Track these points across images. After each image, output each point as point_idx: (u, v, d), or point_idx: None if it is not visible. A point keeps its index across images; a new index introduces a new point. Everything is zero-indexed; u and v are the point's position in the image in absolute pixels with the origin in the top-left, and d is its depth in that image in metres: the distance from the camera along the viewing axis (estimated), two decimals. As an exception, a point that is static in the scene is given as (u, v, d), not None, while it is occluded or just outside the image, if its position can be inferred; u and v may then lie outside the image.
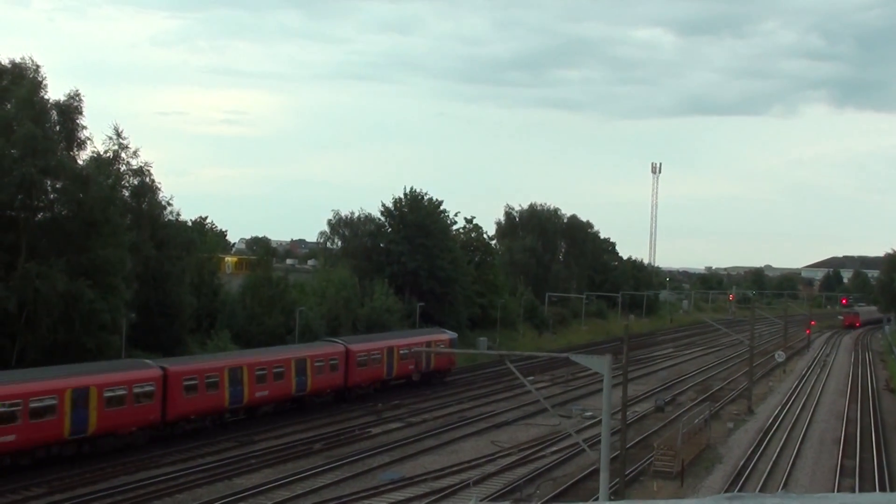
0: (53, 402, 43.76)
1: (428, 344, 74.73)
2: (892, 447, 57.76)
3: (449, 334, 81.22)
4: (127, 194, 67.15)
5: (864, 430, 61.91)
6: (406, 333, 78.42)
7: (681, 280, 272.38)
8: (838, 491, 46.02)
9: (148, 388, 49.06)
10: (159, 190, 69.37)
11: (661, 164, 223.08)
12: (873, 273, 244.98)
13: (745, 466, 49.48)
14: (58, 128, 58.34)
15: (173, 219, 71.92)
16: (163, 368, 50.76)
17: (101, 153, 64.82)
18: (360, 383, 67.14)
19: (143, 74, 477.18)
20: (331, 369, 63.60)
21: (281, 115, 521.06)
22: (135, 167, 67.15)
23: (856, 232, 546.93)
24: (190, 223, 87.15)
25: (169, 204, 70.63)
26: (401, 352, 71.08)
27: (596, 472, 36.00)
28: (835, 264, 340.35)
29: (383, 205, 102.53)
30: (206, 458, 47.47)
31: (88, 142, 61.43)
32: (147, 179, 67.96)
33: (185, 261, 70.36)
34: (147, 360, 52.81)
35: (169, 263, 67.26)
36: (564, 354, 39.16)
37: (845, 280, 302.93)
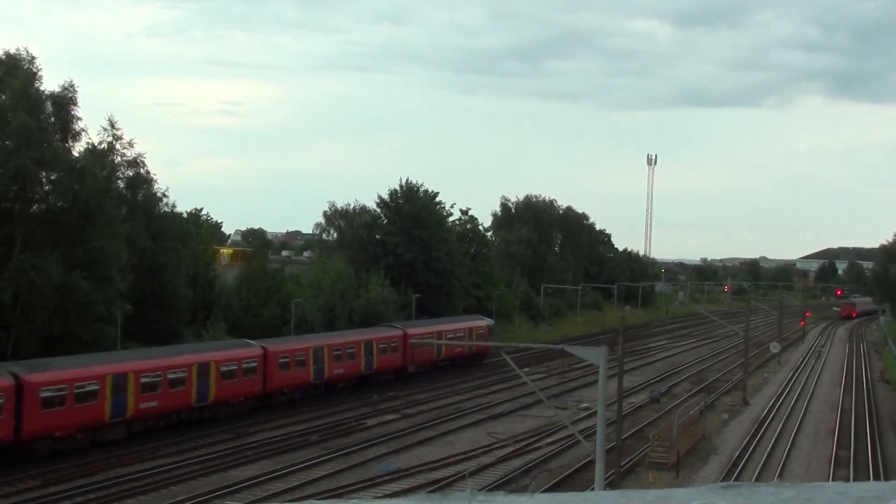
0: (184, 374, 51.63)
1: (471, 329, 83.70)
2: (887, 437, 57.90)
3: (487, 321, 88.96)
4: (122, 186, 67.08)
5: (858, 421, 62.02)
6: (451, 320, 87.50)
7: (676, 271, 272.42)
8: (833, 481, 46.06)
9: (252, 364, 56.54)
10: (154, 181, 69.42)
11: (656, 155, 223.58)
12: (868, 264, 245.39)
13: (740, 457, 49.55)
14: (53, 119, 58.25)
15: (169, 210, 71.88)
16: (263, 348, 58.03)
17: (96, 144, 64.75)
18: (416, 363, 73.77)
19: (138, 65, 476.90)
20: (392, 350, 71.08)
21: (277, 106, 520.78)
22: (130, 158, 67.10)
23: (851, 223, 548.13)
24: (185, 215, 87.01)
25: (164, 195, 70.68)
26: (448, 337, 77.94)
27: (591, 463, 36.02)
28: (830, 255, 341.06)
29: (379, 196, 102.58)
30: (201, 450, 47.47)
31: (83, 133, 61.39)
32: (142, 171, 67.90)
33: (181, 252, 70.32)
34: (250, 341, 60.08)
35: (164, 255, 67.22)
36: (560, 346, 39.20)
37: (840, 271, 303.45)
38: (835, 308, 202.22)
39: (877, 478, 46.44)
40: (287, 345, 60.93)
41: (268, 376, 57.45)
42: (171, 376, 50.65)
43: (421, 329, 74.96)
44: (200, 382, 52.48)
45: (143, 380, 48.86)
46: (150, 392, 49.27)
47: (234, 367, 55.08)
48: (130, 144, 66.92)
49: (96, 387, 46.24)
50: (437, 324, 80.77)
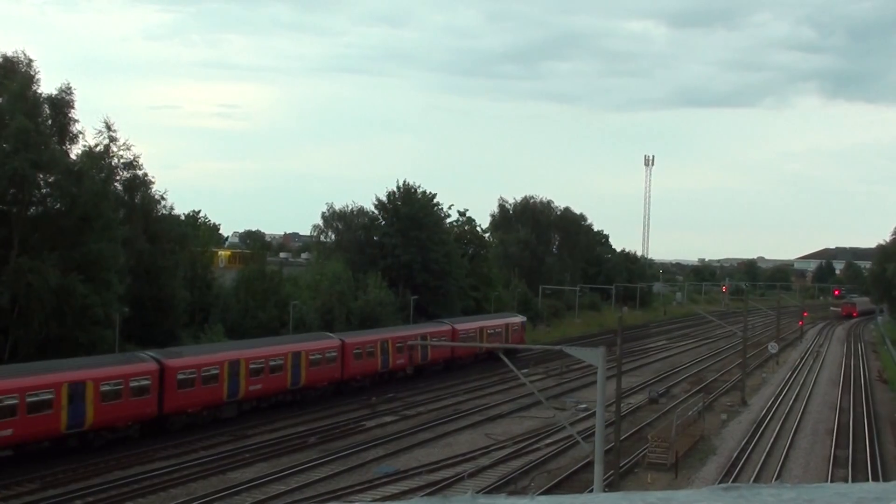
0: (281, 362, 59.25)
1: (507, 326, 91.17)
2: (885, 437, 57.95)
3: (521, 318, 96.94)
4: (119, 188, 67.10)
5: (856, 421, 62.08)
6: (490, 317, 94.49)
7: (674, 272, 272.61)
8: (831, 481, 46.17)
9: (333, 354, 64.38)
10: (152, 184, 69.46)
11: (653, 156, 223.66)
12: (865, 264, 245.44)
13: (738, 458, 49.58)
14: (50, 122, 58.27)
15: (166, 213, 71.89)
16: (342, 340, 65.79)
17: (93, 147, 64.74)
18: (462, 357, 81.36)
19: (135, 68, 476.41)
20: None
21: (274, 109, 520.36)
22: (127, 161, 67.11)
23: (848, 223, 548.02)
24: (183, 217, 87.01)
25: (162, 198, 70.70)
26: (488, 332, 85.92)
27: (590, 464, 36.05)
28: (827, 256, 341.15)
29: (377, 198, 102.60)
30: (199, 452, 47.45)
31: (80, 136, 61.41)
32: (139, 173, 67.94)
33: (179, 255, 70.35)
34: (330, 334, 67.57)
35: (162, 257, 67.23)
36: (558, 347, 39.23)
37: (838, 271, 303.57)
38: (832, 308, 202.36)
39: (875, 477, 46.50)
40: (361, 338, 68.85)
41: (345, 365, 65.20)
42: (272, 363, 58.42)
43: (466, 325, 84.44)
44: (294, 369, 60.16)
45: (252, 366, 56.74)
46: (256, 377, 57.09)
47: (320, 357, 62.78)
48: (128, 147, 67.02)
49: (217, 371, 54.23)
50: (478, 321, 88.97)
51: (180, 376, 51.75)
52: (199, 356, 54.87)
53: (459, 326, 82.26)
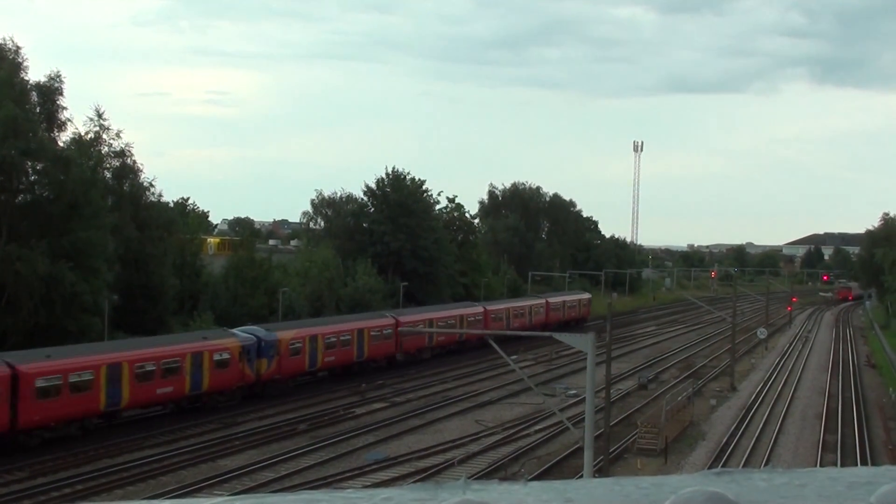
0: (349, 337, 65.72)
1: (576, 301, 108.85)
2: (874, 422, 58.23)
3: (587, 294, 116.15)
4: (108, 176, 66.90)
5: (845, 406, 62.36)
6: (556, 294, 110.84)
7: (663, 258, 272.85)
8: (821, 466, 46.44)
9: (389, 332, 70.35)
10: (141, 171, 69.26)
11: (642, 142, 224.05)
12: (854, 249, 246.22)
13: (728, 443, 49.79)
14: (38, 109, 58.05)
15: (155, 200, 71.75)
16: (395, 318, 71.05)
17: (82, 134, 64.52)
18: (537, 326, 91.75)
19: (123, 55, 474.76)
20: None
21: (263, 95, 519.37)
22: (116, 149, 66.90)
23: (836, 209, 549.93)
24: (172, 204, 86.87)
25: (151, 185, 70.55)
26: (568, 305, 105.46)
27: (580, 450, 36.13)
28: (816, 241, 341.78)
29: (366, 185, 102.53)
30: (189, 439, 47.41)
31: (69, 123, 61.19)
32: (129, 161, 67.74)
33: (168, 242, 70.23)
34: (385, 312, 74.13)
35: (151, 245, 67.10)
36: (548, 333, 39.25)
37: (826, 257, 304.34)
38: (821, 293, 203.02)
39: (864, 462, 46.72)
40: (412, 317, 73.78)
41: (396, 342, 71.53)
42: (342, 338, 65.22)
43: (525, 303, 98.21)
44: (359, 343, 66.75)
45: (327, 340, 63.19)
46: (331, 349, 63.56)
47: (379, 333, 69.21)
48: (117, 135, 66.81)
49: (300, 344, 60.09)
50: (545, 297, 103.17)
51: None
52: (284, 331, 59.39)
53: (492, 307, 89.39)
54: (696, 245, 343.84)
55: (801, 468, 2.09)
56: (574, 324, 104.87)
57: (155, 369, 49.06)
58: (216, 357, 53.01)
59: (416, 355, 74.93)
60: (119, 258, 62.93)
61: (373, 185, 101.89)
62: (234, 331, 57.07)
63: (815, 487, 1.94)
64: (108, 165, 66.83)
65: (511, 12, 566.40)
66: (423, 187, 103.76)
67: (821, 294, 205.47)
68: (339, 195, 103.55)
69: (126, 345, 51.29)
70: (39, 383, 43.03)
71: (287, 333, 59.84)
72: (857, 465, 45.75)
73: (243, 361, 54.86)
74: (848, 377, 76.96)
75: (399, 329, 68.60)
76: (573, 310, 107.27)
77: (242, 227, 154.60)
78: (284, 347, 58.78)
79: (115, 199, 65.68)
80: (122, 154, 67.10)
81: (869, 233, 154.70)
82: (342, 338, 65.11)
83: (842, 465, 46.66)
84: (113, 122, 67.83)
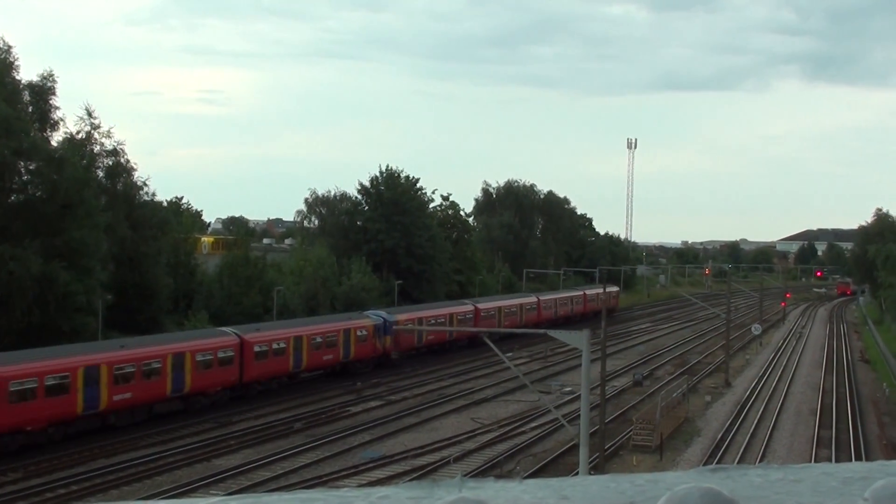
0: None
1: (609, 294, 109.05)
2: (868, 417, 58.35)
3: (615, 288, 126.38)
4: (101, 175, 66.81)
5: (839, 401, 62.49)
6: (585, 287, 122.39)
7: (657, 255, 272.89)
8: (815, 461, 46.52)
9: (469, 317, 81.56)
10: (134, 170, 69.22)
11: (636, 139, 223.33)
12: (847, 245, 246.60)
13: (723, 439, 49.88)
14: (30, 108, 57.94)
15: (149, 199, 71.73)
16: (475, 306, 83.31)
17: (75, 134, 64.43)
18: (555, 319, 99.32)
19: (115, 54, 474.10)
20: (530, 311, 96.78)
21: (256, 94, 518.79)
22: (109, 148, 66.83)
23: (829, 205, 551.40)
24: (165, 203, 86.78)
25: (144, 184, 70.54)
26: (589, 297, 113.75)
27: (575, 447, 36.17)
28: (809, 237, 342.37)
29: (360, 183, 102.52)
30: (184, 439, 47.36)
31: (61, 122, 61.10)
32: (121, 160, 67.67)
33: (161, 241, 70.18)
34: (466, 300, 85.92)
35: (145, 244, 67.04)
36: (543, 330, 39.30)
37: (820, 253, 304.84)
38: (815, 289, 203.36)
39: (858, 457, 46.82)
40: (491, 304, 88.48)
41: (476, 324, 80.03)
42: (439, 321, 75.66)
43: (561, 294, 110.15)
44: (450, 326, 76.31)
45: (430, 323, 72.77)
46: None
47: (444, 320, 76.65)
48: (109, 134, 66.72)
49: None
50: (576, 290, 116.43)
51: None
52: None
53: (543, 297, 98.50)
54: (689, 242, 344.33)
55: (796, 464, 2.09)
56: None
57: (322, 341, 62.63)
58: (359, 333, 66.76)
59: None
60: (113, 258, 62.86)
61: (367, 184, 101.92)
62: (367, 313, 71.27)
63: (810, 483, 1.95)
64: (100, 164, 66.76)
65: (504, 10, 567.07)
66: (418, 185, 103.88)
67: (814, 290, 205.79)
68: (333, 193, 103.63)
69: (302, 322, 65.80)
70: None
71: (402, 316, 72.41)
72: (851, 460, 45.87)
73: (376, 337, 68.41)
74: (842, 373, 77.12)
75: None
76: (599, 302, 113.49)
77: (236, 226, 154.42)
78: (402, 325, 69.30)
79: (109, 199, 65.59)
80: (114, 153, 67.06)
81: (862, 228, 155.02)
82: (439, 321, 76.09)
83: (836, 461, 46.74)
84: (105, 122, 67.69)
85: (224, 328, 58.82)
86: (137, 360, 48.80)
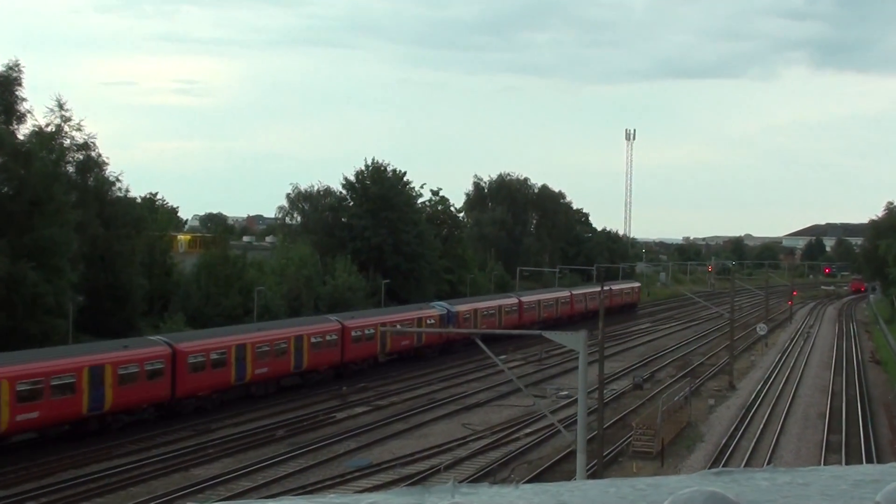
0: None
1: (633, 289, 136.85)
2: (879, 420, 58.52)
3: (637, 283, 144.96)
4: (72, 170, 66.60)
5: (849, 404, 62.65)
6: (614, 282, 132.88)
7: (657, 251, 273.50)
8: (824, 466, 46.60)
9: (515, 308, 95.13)
10: (106, 165, 69.04)
11: (635, 130, 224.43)
12: (857, 240, 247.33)
13: (727, 444, 49.97)
14: (-5, 100, 57.71)
15: (122, 195, 71.58)
16: (522, 298, 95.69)
17: (43, 126, 64.21)
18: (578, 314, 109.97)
19: (86, 42, 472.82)
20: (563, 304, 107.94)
21: (235, 84, 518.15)
22: (79, 141, 66.60)
23: (838, 198, 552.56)
24: (140, 200, 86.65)
25: (117, 180, 70.39)
26: (625, 292, 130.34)
27: (572, 453, 36.25)
28: (817, 232, 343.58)
29: (344, 177, 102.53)
30: (160, 448, 47.27)
31: (29, 115, 60.87)
32: (93, 154, 67.47)
33: (135, 240, 70.01)
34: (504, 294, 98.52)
35: (118, 243, 66.87)
36: (538, 331, 39.34)
37: (828, 248, 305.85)
38: (823, 287, 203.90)
39: (870, 462, 46.94)
40: (536, 296, 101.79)
41: (522, 316, 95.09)
42: (489, 312, 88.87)
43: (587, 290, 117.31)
44: (499, 317, 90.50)
45: (483, 313, 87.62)
46: (488, 317, 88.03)
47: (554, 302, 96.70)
48: (80, 126, 66.50)
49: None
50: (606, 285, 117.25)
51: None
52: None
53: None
54: (691, 237, 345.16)
55: (804, 467, 2.10)
56: (628, 308, 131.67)
57: (374, 332, 70.04)
58: (429, 322, 77.82)
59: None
60: (84, 257, 62.66)
61: (352, 178, 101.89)
62: (433, 304, 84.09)
63: (819, 486, 1.96)
64: (70, 159, 66.53)
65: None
66: (405, 179, 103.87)
67: (823, 287, 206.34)
68: (316, 189, 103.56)
69: (386, 311, 79.14)
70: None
71: (461, 308, 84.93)
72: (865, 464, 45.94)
73: (441, 326, 78.35)
74: (852, 374, 77.34)
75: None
76: (630, 296, 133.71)
77: (215, 224, 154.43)
78: (461, 317, 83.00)
79: (79, 195, 65.38)
80: (85, 147, 66.82)
81: (873, 223, 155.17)
82: (489, 312, 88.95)
83: (849, 465, 46.86)
84: (76, 114, 67.23)
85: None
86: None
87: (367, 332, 69.55)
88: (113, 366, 47.98)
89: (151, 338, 54.64)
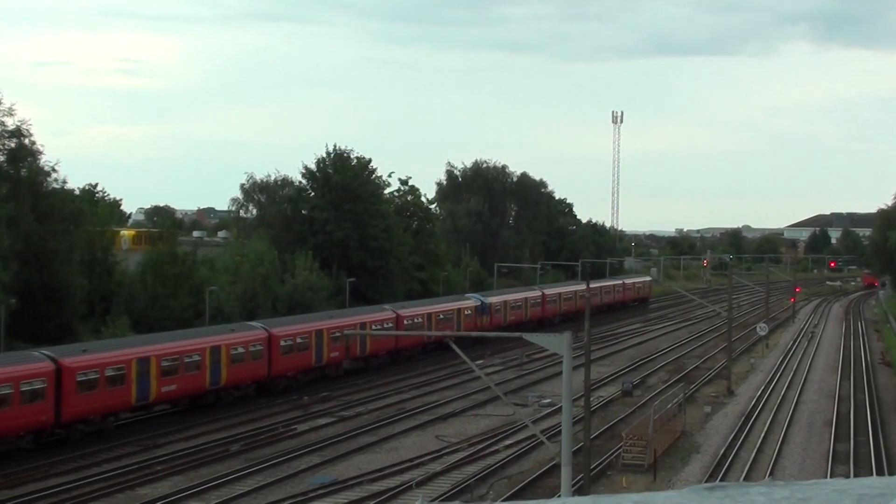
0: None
1: (644, 283, 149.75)
2: (890, 427, 58.90)
3: (648, 278, 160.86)
4: (2, 159, 66.17)
5: (858, 410, 63.05)
6: (627, 276, 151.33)
7: (648, 245, 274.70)
8: (830, 478, 46.77)
9: (540, 302, 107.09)
10: (41, 154, 68.59)
11: (622, 112, 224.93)
12: (865, 231, 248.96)
13: (725, 455, 50.18)
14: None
15: (58, 187, 71.15)
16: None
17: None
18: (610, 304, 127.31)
19: (17, 18, 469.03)
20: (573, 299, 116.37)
21: (184, 64, 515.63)
22: (10, 127, 66.16)
23: (844, 186, 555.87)
24: (78, 192, 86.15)
25: (53, 170, 69.96)
26: (626, 287, 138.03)
27: (557, 467, 36.27)
28: (821, 223, 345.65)
29: (304, 166, 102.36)
30: (102, 465, 47.09)
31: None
32: (26, 141, 67.05)
33: (74, 236, 69.65)
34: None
35: (54, 239, 66.50)
36: (518, 333, 39.41)
37: (833, 240, 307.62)
38: (828, 282, 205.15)
39: (880, 473, 47.27)
40: (557, 289, 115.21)
41: (544, 309, 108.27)
42: (517, 304, 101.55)
43: (604, 283, 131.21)
44: (525, 310, 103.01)
45: (511, 305, 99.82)
46: (515, 310, 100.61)
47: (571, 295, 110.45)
48: (11, 111, 66.07)
49: (421, 321, 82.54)
50: (618, 279, 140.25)
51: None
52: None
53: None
54: (685, 230, 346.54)
55: (806, 480, 2.12)
56: (641, 302, 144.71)
57: (443, 318, 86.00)
58: (466, 312, 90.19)
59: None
60: (16, 255, 62.28)
61: (312, 166, 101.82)
62: (468, 296, 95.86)
63: (820, 501, 1.97)
64: (1, 147, 66.10)
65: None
66: (371, 167, 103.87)
67: (828, 283, 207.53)
68: (273, 178, 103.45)
69: (429, 302, 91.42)
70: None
71: (494, 299, 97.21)
72: (872, 476, 46.16)
73: (476, 316, 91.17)
74: (860, 377, 77.83)
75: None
76: (641, 290, 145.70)
77: (161, 217, 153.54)
78: (493, 308, 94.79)
79: (11, 187, 65.00)
80: (17, 133, 66.36)
81: (882, 212, 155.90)
82: (517, 304, 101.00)
83: (855, 478, 47.08)
84: (6, 97, 66.69)
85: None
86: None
87: (417, 320, 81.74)
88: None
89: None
